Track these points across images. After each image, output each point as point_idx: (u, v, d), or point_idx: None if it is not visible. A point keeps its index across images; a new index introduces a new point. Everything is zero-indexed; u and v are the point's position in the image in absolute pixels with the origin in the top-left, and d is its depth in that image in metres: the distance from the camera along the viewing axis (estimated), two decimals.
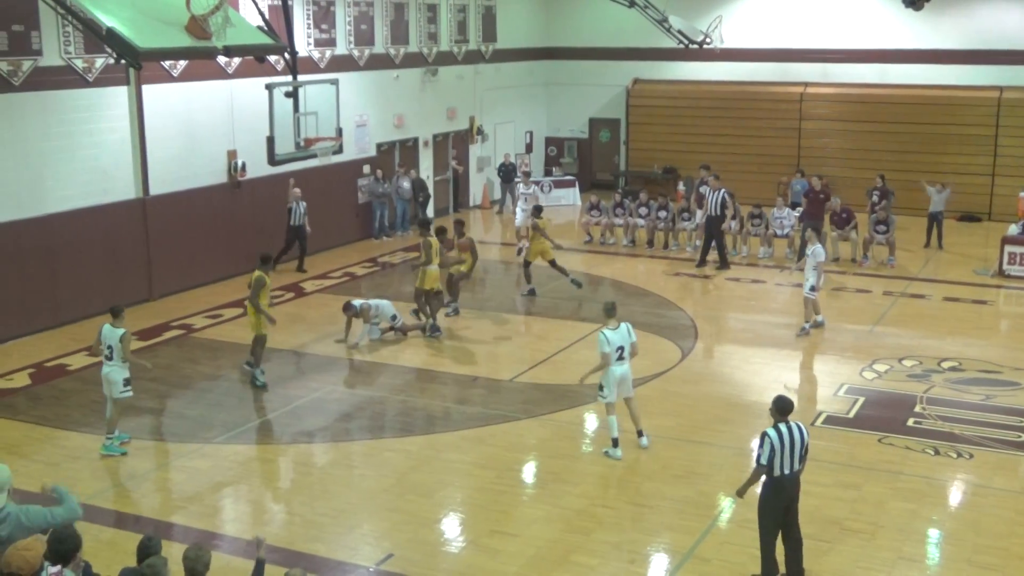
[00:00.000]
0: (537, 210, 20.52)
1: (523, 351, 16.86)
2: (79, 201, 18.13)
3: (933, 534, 10.77)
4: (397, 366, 16.26)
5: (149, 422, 13.93)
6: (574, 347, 16.80)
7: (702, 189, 23.01)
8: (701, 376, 15.65)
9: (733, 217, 23.30)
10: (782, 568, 9.68)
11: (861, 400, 14.43)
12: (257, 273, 14.97)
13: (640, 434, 12.80)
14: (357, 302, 17.05)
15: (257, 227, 21.55)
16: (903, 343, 16.99)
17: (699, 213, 23.40)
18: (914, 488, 11.69)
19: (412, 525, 10.89)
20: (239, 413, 14.21)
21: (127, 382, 12.75)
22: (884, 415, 13.87)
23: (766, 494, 9.45)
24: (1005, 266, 21.33)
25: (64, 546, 7.17)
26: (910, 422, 13.64)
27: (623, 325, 12.55)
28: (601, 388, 12.52)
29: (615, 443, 12.55)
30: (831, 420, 13.74)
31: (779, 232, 23.32)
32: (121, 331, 12.63)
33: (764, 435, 9.32)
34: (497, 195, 29.76)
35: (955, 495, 11.69)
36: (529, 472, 12.43)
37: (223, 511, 11.55)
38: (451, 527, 11.00)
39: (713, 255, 22.30)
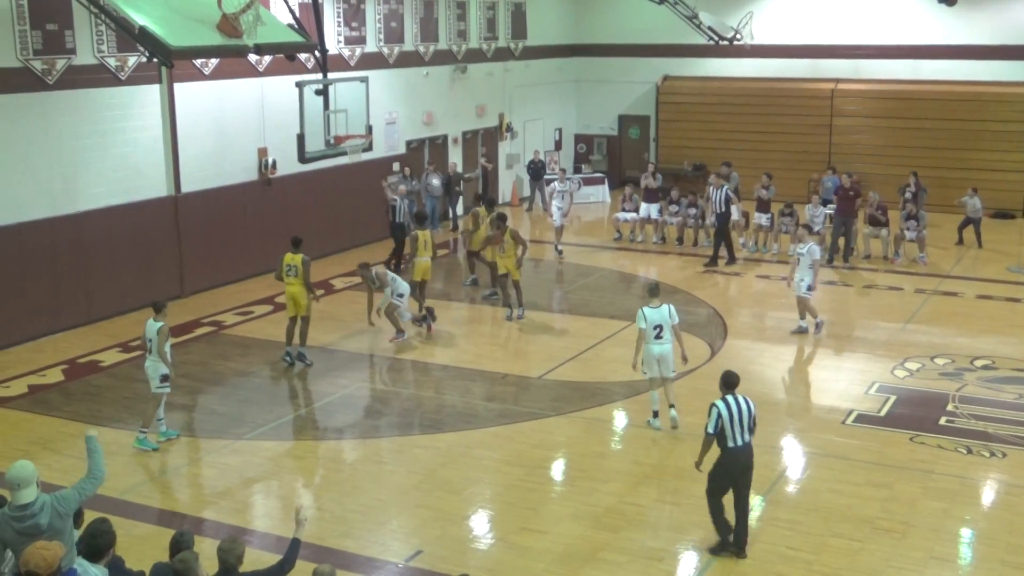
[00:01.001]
0: (477, 198, 21.09)
1: (552, 348, 16.84)
2: (112, 199, 18.29)
3: (965, 534, 10.69)
4: (426, 363, 16.30)
5: (181, 418, 14.03)
6: (603, 344, 16.78)
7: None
8: None
9: (770, 210, 23.25)
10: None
11: (893, 398, 14.33)
12: (301, 255, 15.53)
13: (671, 406, 13.22)
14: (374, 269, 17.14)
15: (288, 224, 21.63)
16: (935, 341, 16.86)
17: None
18: (946, 487, 11.60)
19: (441, 522, 10.92)
20: (269, 409, 14.29)
21: (165, 378, 12.87)
22: (916, 414, 13.77)
23: (719, 464, 9.98)
24: None
25: (98, 541, 7.26)
26: (942, 421, 13.54)
27: (664, 306, 13.11)
28: (644, 364, 13.15)
29: (655, 415, 13.30)
30: (862, 418, 13.66)
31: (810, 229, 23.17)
32: (159, 324, 12.77)
33: (712, 406, 9.90)
34: (526, 192, 29.74)
35: (988, 494, 11.60)
36: (558, 469, 12.44)
37: (254, 507, 11.63)
38: (480, 524, 11.02)
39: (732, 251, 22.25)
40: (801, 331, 17.22)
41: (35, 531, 7.20)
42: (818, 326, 17.29)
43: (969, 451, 12.57)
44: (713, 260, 22.00)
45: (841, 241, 22.30)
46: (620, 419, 13.87)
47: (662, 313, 13.00)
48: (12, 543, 7.25)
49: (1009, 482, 11.78)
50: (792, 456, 12.69)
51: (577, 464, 12.42)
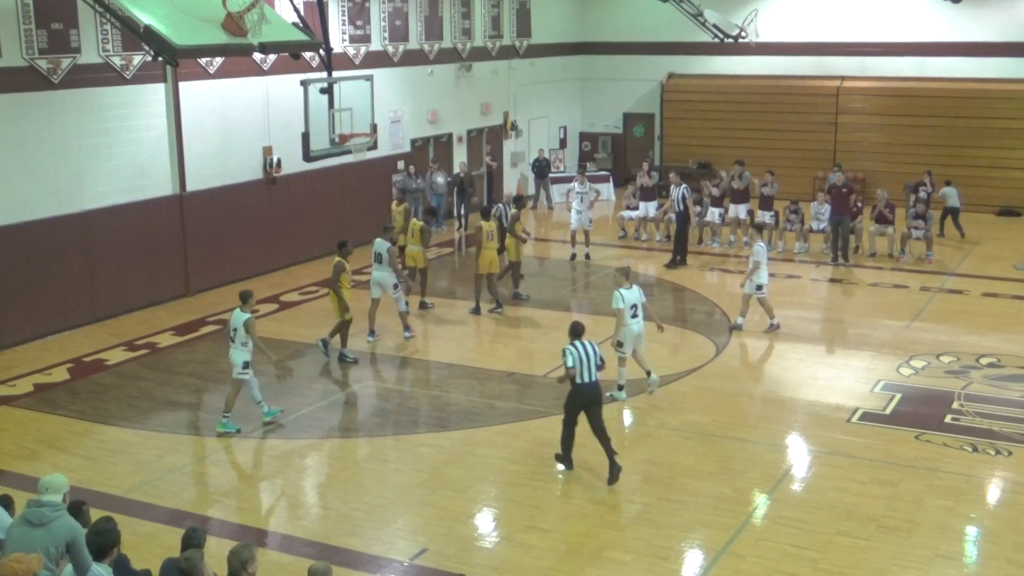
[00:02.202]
0: (403, 194, 21.59)
1: (557, 346, 16.65)
2: (117, 197, 18.31)
3: (971, 532, 10.67)
4: (431, 361, 16.31)
5: (186, 416, 14.06)
6: (608, 343, 16.72)
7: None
8: (736, 372, 15.58)
9: (773, 207, 23.19)
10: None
11: (898, 396, 14.31)
12: (336, 259, 15.74)
13: (648, 373, 14.30)
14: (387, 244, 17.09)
15: (293, 223, 21.69)
16: (941, 339, 16.82)
17: (736, 207, 23.62)
18: (951, 485, 11.58)
19: (446, 520, 10.93)
20: (275, 408, 14.28)
21: (246, 364, 13.21)
22: (921, 412, 13.75)
23: (570, 398, 11.82)
24: None
25: (103, 540, 7.27)
26: (948, 419, 13.52)
27: (635, 287, 14.25)
28: (620, 345, 14.10)
29: (620, 388, 14.18)
30: (867, 416, 13.64)
31: (815, 227, 23.13)
32: (246, 316, 13.08)
33: (565, 349, 11.70)
34: (531, 190, 29.72)
35: (993, 492, 11.57)
36: (563, 467, 12.42)
37: (259, 505, 11.64)
38: (485, 522, 11.03)
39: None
40: (737, 327, 17.26)
41: (36, 518, 7.31)
42: (772, 325, 17.23)
43: (975, 449, 12.55)
44: (673, 261, 21.86)
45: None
46: (625, 417, 13.86)
47: (635, 294, 14.07)
48: (11, 532, 7.34)
49: (1015, 480, 11.76)
50: (797, 454, 12.68)
51: (582, 462, 12.40)
